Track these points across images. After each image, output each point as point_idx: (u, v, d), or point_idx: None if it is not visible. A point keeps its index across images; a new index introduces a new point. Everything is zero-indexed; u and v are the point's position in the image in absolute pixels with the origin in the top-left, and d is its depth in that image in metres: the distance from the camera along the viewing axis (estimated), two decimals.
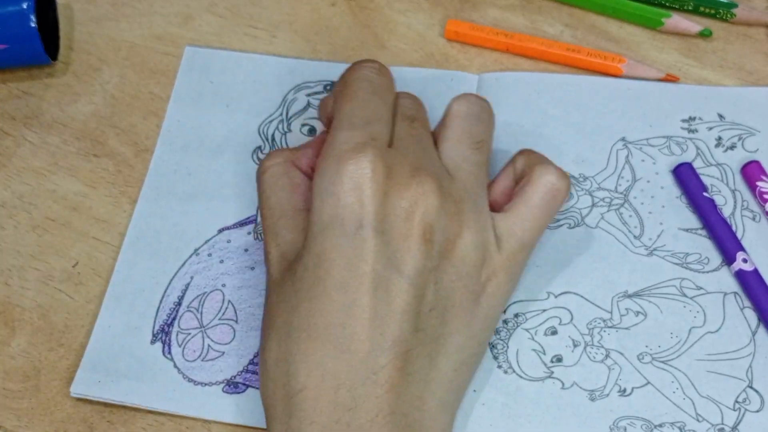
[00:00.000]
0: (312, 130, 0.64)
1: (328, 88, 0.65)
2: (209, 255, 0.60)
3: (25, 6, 0.62)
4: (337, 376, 0.48)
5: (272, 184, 0.55)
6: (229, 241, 0.61)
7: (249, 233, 0.61)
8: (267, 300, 0.52)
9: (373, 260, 0.49)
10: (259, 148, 0.63)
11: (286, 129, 0.64)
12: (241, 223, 0.61)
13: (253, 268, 0.60)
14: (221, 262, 0.60)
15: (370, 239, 0.49)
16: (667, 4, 0.67)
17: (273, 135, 0.64)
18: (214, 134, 0.64)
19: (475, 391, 0.55)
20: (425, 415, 0.50)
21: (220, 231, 0.61)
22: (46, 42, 0.65)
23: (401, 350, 0.49)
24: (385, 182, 0.50)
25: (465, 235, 0.52)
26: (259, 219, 0.61)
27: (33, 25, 0.62)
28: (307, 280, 0.49)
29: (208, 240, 0.61)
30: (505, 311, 0.57)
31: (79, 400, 0.56)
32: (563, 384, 0.55)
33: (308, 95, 0.65)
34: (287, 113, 0.65)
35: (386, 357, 0.48)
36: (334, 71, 0.66)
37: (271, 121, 0.64)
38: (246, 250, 0.60)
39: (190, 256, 0.60)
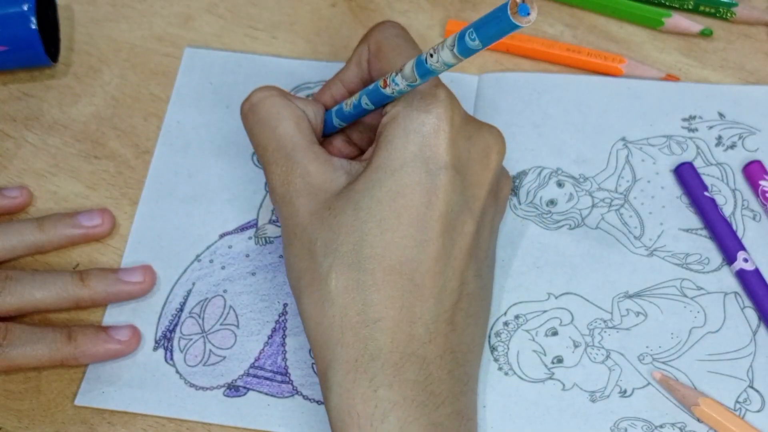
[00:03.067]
0: None
1: None
2: (211, 261, 0.60)
3: (25, 8, 0.62)
4: (413, 311, 0.49)
5: (276, 114, 0.54)
6: (230, 247, 0.61)
7: (250, 238, 0.61)
8: (303, 230, 0.51)
9: (452, 200, 0.50)
10: None
11: None
12: (242, 228, 0.61)
13: (254, 274, 0.60)
14: (223, 268, 0.60)
15: (452, 179, 0.50)
16: (667, 4, 0.67)
17: None
18: (214, 135, 0.65)
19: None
20: (474, 357, 0.52)
21: (222, 236, 0.61)
22: (46, 43, 0.65)
23: (466, 292, 0.51)
24: (463, 126, 0.51)
25: (507, 182, 0.56)
26: (260, 223, 0.61)
27: (33, 26, 0.62)
28: (378, 213, 0.49)
29: (210, 246, 0.61)
30: (505, 313, 0.58)
31: None
32: (564, 385, 0.55)
33: (309, 96, 0.65)
34: None
35: (454, 298, 0.50)
36: (333, 71, 0.65)
37: None
38: (247, 256, 0.60)
39: (192, 263, 0.60)
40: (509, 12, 0.41)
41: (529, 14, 0.41)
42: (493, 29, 0.43)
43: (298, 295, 0.51)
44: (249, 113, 0.55)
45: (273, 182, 0.53)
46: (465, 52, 0.45)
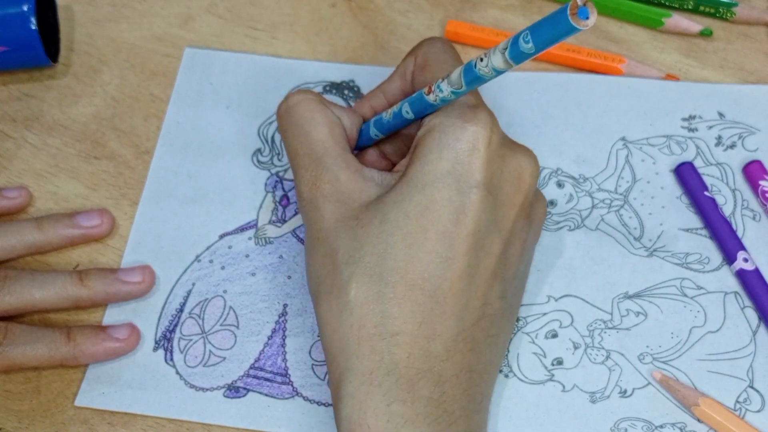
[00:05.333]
0: None
1: (327, 88, 0.65)
2: (210, 261, 0.60)
3: (25, 8, 0.62)
4: (432, 327, 0.48)
5: (310, 119, 0.53)
6: (230, 247, 0.61)
7: (250, 239, 0.61)
8: (327, 236, 0.51)
9: (481, 220, 0.49)
10: (259, 150, 0.64)
11: None
12: (242, 228, 0.61)
13: (254, 274, 0.60)
14: (222, 268, 0.60)
15: (483, 199, 0.49)
16: (667, 4, 0.67)
17: (273, 137, 0.64)
18: (214, 136, 0.65)
19: None
20: (490, 377, 0.52)
21: (222, 237, 0.61)
22: (46, 44, 0.65)
23: (488, 313, 0.50)
24: (499, 147, 0.50)
25: (542, 205, 0.55)
26: (260, 223, 0.61)
27: (33, 27, 0.62)
28: (405, 226, 0.49)
29: (210, 246, 0.61)
30: None
31: None
32: (564, 387, 0.55)
33: None
34: None
35: (475, 317, 0.50)
36: (333, 72, 0.66)
37: (270, 123, 0.65)
38: (247, 256, 0.60)
39: (192, 263, 0.60)
40: (569, 14, 0.40)
41: (588, 18, 0.40)
42: (549, 32, 0.42)
43: (317, 301, 0.51)
44: (284, 115, 0.54)
45: (301, 186, 0.53)
46: (517, 56, 0.44)
